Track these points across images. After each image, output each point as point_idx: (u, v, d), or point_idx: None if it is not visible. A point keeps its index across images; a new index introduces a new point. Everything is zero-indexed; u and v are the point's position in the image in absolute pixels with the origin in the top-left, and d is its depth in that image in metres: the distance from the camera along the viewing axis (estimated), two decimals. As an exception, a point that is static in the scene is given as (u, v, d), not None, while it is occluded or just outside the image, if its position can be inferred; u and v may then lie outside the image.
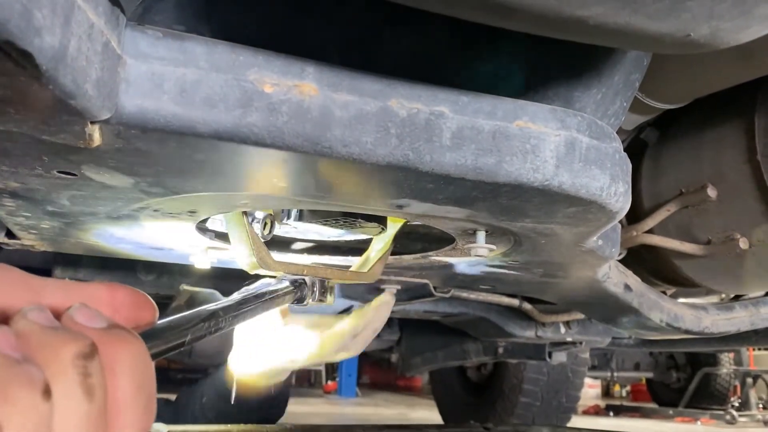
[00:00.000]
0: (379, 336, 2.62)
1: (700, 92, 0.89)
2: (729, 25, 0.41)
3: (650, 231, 1.13)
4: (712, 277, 1.14)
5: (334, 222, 0.80)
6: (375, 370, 9.78)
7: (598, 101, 0.65)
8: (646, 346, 2.56)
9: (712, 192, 1.01)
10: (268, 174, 0.56)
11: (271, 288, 0.65)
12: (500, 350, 2.32)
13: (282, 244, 1.05)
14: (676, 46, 0.44)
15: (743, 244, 1.00)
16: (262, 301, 0.61)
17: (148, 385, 0.33)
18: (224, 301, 0.54)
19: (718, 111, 1.04)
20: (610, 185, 0.59)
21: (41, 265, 1.45)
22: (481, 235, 0.73)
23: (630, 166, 0.63)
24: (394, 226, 0.92)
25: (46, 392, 0.28)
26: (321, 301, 0.78)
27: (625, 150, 1.18)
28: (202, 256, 0.89)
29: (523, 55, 0.59)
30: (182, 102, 0.46)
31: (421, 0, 0.43)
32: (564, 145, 0.56)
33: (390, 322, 2.66)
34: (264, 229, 0.80)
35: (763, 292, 1.32)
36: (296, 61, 0.49)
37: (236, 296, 0.58)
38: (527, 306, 1.72)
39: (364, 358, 7.85)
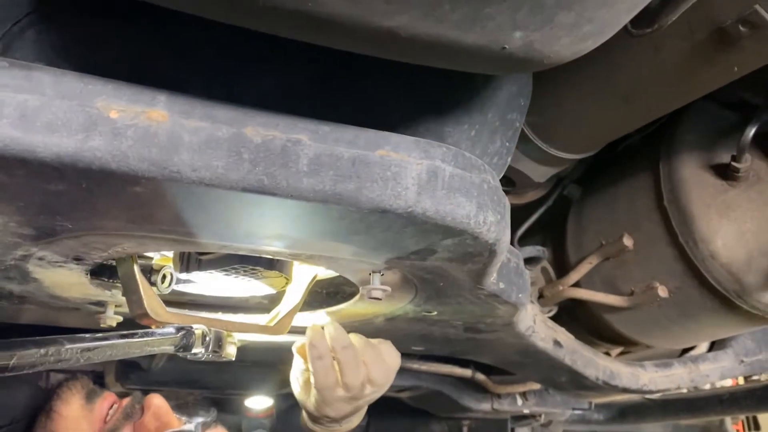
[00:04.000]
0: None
1: (596, 142, 0.92)
2: (538, 35, 0.44)
3: (577, 285, 1.13)
4: (641, 331, 1.13)
5: (234, 271, 0.79)
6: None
7: (473, 138, 0.66)
8: (617, 422, 2.49)
9: (628, 241, 1.02)
10: (130, 206, 0.55)
11: (146, 330, 0.63)
12: (464, 429, 2.26)
13: (206, 306, 1.03)
14: (498, 61, 0.46)
15: (662, 292, 0.99)
16: (130, 341, 0.59)
17: None
18: (76, 335, 0.52)
19: (631, 162, 1.07)
20: (478, 213, 0.59)
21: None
22: (376, 277, 0.73)
23: (504, 197, 0.63)
24: (305, 279, 0.91)
25: None
26: (216, 353, 0.75)
27: (551, 208, 1.21)
28: (109, 313, 0.87)
29: (389, 92, 0.61)
30: (21, 126, 0.46)
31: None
32: (426, 173, 0.57)
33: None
34: (162, 282, 0.79)
35: (704, 347, 1.31)
36: (149, 91, 0.51)
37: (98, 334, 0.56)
38: (480, 376, 1.69)
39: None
